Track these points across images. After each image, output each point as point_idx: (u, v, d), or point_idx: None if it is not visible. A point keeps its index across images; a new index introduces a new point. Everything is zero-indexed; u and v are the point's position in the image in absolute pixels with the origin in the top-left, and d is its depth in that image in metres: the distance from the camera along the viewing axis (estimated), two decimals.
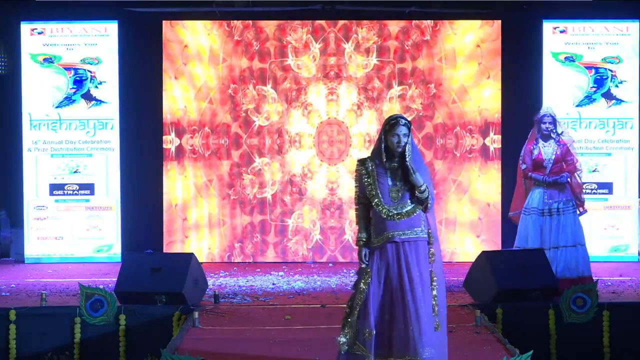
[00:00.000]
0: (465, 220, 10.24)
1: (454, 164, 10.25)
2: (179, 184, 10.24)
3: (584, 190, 8.15)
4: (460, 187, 10.25)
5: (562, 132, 7.82)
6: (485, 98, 10.20)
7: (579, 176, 7.83)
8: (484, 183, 10.23)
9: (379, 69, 10.19)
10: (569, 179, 7.70)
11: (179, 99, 10.18)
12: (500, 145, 10.18)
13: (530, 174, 7.75)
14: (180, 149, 10.20)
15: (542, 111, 7.90)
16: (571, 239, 7.70)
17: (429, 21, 10.15)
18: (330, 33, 10.18)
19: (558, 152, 7.70)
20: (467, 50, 10.18)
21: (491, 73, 10.17)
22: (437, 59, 10.19)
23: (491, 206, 10.21)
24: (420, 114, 10.22)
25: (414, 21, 10.17)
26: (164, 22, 10.16)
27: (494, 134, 10.17)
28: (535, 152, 7.74)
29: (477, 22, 10.16)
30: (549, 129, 7.73)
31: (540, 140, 7.77)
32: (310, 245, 10.20)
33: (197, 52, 10.17)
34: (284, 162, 10.26)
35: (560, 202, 7.70)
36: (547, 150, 7.73)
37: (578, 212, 7.79)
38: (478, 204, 10.24)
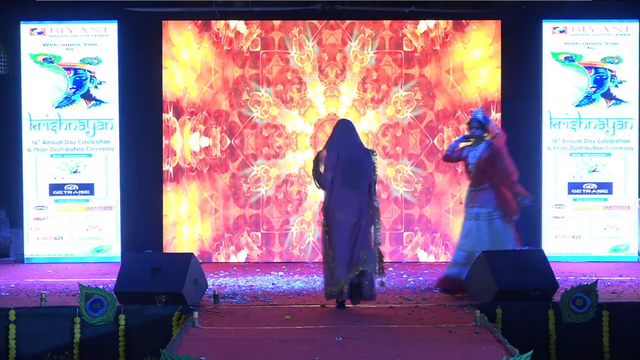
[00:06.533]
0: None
1: (454, 179, 10.24)
2: (179, 205, 10.25)
3: None
4: (458, 203, 10.24)
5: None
6: (483, 77, 10.20)
7: None
8: None
9: (380, 69, 10.20)
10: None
11: (178, 81, 10.20)
12: None
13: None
14: (178, 169, 10.19)
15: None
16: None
17: (440, 31, 10.15)
18: (324, 30, 10.18)
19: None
20: (474, 64, 10.18)
21: (489, 53, 10.17)
22: (444, 70, 10.18)
23: None
24: (421, 103, 10.22)
25: (424, 28, 10.16)
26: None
27: (495, 112, 10.17)
28: None
29: (488, 39, 10.16)
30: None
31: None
32: (309, 246, 10.21)
33: (192, 66, 10.18)
34: (282, 165, 10.26)
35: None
36: None
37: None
38: None
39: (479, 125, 7.77)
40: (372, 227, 7.04)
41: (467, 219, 7.82)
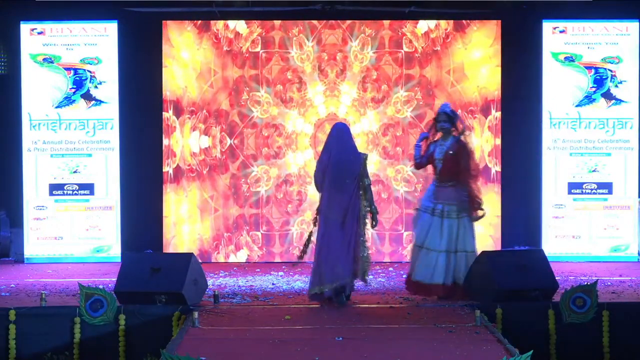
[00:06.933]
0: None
1: None
2: (180, 206, 10.24)
3: None
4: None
5: None
6: (483, 76, 10.19)
7: None
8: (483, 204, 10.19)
9: (381, 68, 10.20)
10: None
11: (179, 80, 10.19)
12: (500, 169, 10.16)
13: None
14: (178, 170, 10.19)
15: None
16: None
17: (441, 32, 10.13)
18: (324, 30, 10.17)
19: None
20: (475, 64, 10.18)
21: (489, 50, 10.16)
22: (445, 71, 10.18)
23: (487, 223, 10.18)
24: (421, 102, 10.21)
25: (425, 29, 10.15)
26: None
27: (495, 111, 10.16)
28: None
29: (488, 40, 10.14)
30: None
31: None
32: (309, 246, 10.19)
33: (192, 66, 10.17)
34: (282, 165, 10.26)
35: None
36: None
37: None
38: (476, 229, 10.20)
39: (447, 118, 7.57)
40: (357, 231, 7.23)
41: (432, 215, 7.53)
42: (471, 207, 7.57)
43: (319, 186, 7.38)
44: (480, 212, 7.61)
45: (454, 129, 7.62)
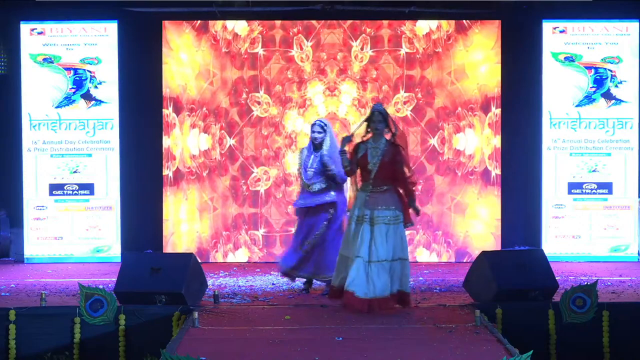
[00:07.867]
0: (459, 237, 10.26)
1: (454, 183, 10.22)
2: (179, 209, 10.24)
3: None
4: (458, 207, 10.21)
5: None
6: (483, 74, 10.18)
7: None
8: (483, 207, 10.23)
9: (381, 68, 10.19)
10: None
11: (178, 80, 10.19)
12: (500, 172, 10.16)
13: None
14: (177, 173, 10.19)
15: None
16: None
17: (442, 33, 10.12)
18: (324, 29, 10.17)
19: None
20: (475, 65, 10.17)
21: (490, 53, 10.16)
22: (446, 72, 10.17)
23: (487, 225, 10.19)
24: (421, 101, 10.21)
25: (427, 30, 10.14)
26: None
27: (495, 108, 10.15)
28: None
29: (490, 42, 10.13)
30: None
31: None
32: None
33: (191, 67, 10.17)
34: (282, 165, 10.25)
35: None
36: None
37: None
38: (476, 228, 10.25)
39: (382, 118, 7.06)
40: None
41: (363, 224, 6.97)
42: (407, 213, 7.06)
43: (345, 181, 7.73)
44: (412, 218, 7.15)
45: (387, 130, 7.11)
